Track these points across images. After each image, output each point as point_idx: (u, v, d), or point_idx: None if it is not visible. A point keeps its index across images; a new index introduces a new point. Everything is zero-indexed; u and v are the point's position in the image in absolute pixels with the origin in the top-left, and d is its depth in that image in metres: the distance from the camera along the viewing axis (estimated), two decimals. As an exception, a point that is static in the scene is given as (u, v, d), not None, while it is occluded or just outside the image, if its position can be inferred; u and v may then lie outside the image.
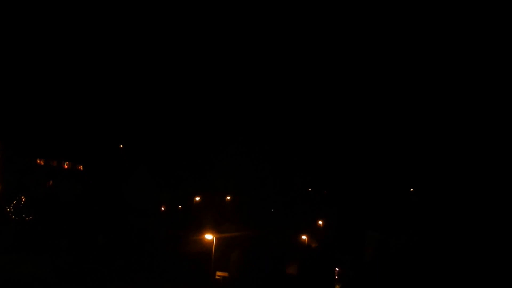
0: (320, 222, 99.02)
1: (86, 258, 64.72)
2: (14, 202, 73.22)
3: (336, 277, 68.39)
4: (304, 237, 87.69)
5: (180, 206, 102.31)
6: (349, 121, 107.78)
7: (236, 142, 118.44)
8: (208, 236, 57.99)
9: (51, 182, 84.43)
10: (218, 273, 59.45)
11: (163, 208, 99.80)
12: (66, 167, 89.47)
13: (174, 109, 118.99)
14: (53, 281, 54.19)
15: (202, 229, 70.77)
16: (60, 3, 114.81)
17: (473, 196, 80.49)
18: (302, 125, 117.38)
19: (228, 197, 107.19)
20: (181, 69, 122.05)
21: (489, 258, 60.56)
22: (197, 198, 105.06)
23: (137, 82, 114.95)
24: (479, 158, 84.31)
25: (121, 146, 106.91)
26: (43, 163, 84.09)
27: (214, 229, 65.62)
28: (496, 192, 78.37)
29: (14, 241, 65.42)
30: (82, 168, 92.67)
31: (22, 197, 73.92)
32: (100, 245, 70.92)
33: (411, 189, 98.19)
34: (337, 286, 67.18)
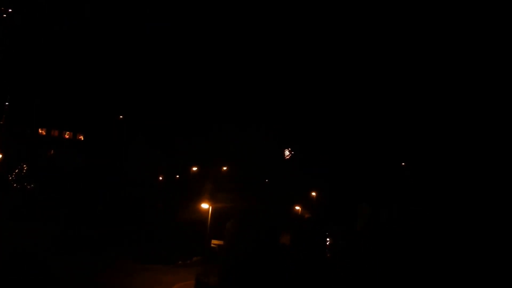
0: (313, 194, 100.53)
1: (85, 227, 66.29)
2: (16, 170, 74.43)
3: (327, 247, 69.87)
4: (297, 207, 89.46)
5: (177, 176, 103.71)
6: (341, 94, 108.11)
7: (233, 112, 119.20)
8: (204, 205, 59.46)
9: (52, 151, 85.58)
10: (214, 242, 60.65)
11: (160, 178, 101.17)
12: (67, 137, 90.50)
13: (173, 79, 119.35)
14: (53, 249, 55.77)
15: (198, 199, 72.23)
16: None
17: (465, 171, 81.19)
18: (297, 97, 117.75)
19: (225, 168, 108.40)
20: (179, 38, 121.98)
21: (479, 231, 61.42)
22: (194, 168, 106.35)
23: (136, 51, 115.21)
24: (471, 133, 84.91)
25: (121, 117, 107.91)
26: (44, 133, 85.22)
27: (210, 199, 67.15)
28: (489, 165, 78.99)
29: (15, 209, 66.53)
30: (82, 138, 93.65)
31: (24, 165, 75.14)
32: (99, 214, 72.46)
33: (403, 163, 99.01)
34: (328, 255, 68.65)
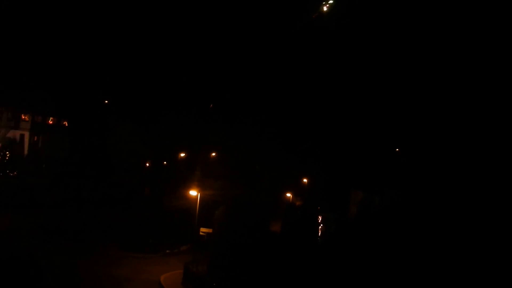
0: (305, 180, 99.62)
1: (70, 215, 65.01)
2: (-1, 157, 73.15)
3: (319, 234, 69.20)
4: (288, 194, 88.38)
5: (165, 162, 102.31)
6: (334, 80, 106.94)
7: (222, 98, 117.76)
8: (193, 193, 58.13)
9: (35, 137, 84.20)
10: (202, 230, 59.56)
11: (147, 164, 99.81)
12: (51, 122, 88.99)
13: (159, 62, 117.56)
14: (37, 236, 54.60)
15: (186, 185, 71.08)
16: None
17: (460, 157, 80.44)
18: (290, 85, 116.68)
19: (213, 154, 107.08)
20: (167, 22, 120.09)
21: (474, 217, 60.76)
22: (182, 154, 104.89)
23: (121, 34, 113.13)
24: (468, 119, 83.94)
25: (106, 102, 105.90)
26: (28, 119, 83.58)
27: (199, 186, 65.92)
28: (485, 153, 78.11)
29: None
30: (66, 124, 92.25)
31: (7, 152, 73.75)
32: (84, 202, 71.20)
33: (397, 149, 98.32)
34: (320, 243, 67.96)
